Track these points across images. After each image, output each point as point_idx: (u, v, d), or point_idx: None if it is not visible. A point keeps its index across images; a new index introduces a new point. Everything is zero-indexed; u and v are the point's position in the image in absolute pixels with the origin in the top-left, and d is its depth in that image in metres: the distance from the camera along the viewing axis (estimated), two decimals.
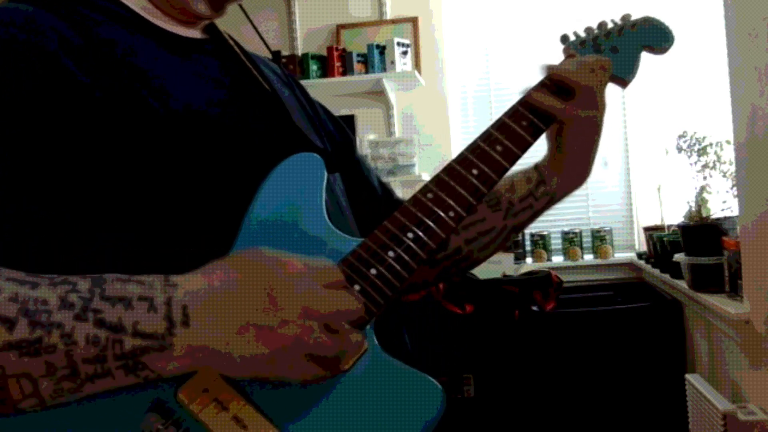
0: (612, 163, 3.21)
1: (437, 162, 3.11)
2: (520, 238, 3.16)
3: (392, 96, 3.26)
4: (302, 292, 0.57)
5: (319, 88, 3.11)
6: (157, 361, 0.55)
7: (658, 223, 2.89)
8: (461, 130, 3.34)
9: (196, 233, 0.65)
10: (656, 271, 2.63)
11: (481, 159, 0.72)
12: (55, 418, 0.56)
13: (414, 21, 3.29)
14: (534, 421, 2.52)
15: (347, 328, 0.58)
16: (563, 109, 0.78)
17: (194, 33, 0.78)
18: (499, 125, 0.75)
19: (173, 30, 0.75)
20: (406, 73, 3.12)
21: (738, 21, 1.77)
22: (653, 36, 0.83)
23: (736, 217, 1.92)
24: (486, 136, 0.74)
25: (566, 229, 3.19)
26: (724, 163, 2.21)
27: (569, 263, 3.14)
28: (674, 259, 2.25)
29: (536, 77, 0.82)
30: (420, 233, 0.66)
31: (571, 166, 0.85)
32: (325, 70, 3.16)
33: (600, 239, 3.13)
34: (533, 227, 3.21)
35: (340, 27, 3.33)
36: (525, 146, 0.75)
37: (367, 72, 3.13)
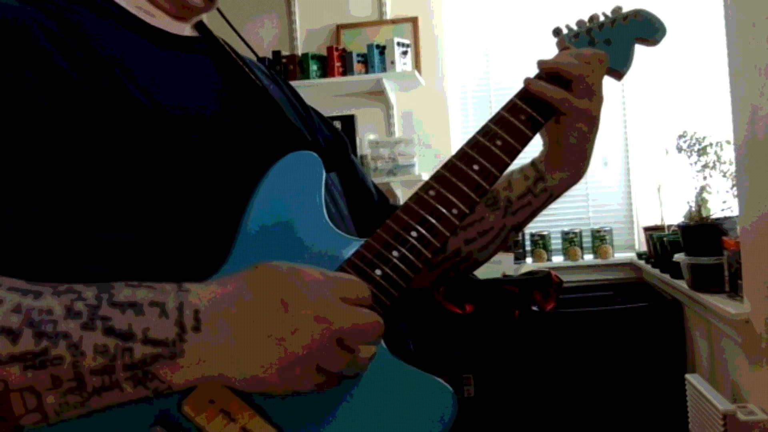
0: (612, 163, 3.20)
1: (437, 162, 3.06)
2: (520, 238, 3.16)
3: (392, 96, 3.26)
4: (317, 302, 0.55)
5: (319, 88, 3.12)
6: (167, 370, 0.53)
7: (658, 223, 2.89)
8: (461, 130, 3.33)
9: (196, 233, 0.64)
10: (656, 271, 2.63)
11: (482, 154, 0.71)
12: None
13: (414, 21, 3.29)
14: (534, 421, 2.52)
15: (359, 344, 0.56)
16: (564, 99, 0.77)
17: (185, 31, 0.77)
18: (498, 119, 0.75)
19: (164, 27, 0.73)
20: (406, 73, 3.11)
21: (738, 21, 1.77)
22: (646, 27, 0.84)
23: (736, 217, 1.92)
24: (485, 131, 0.74)
25: (566, 229, 3.19)
26: (724, 163, 2.21)
27: (569, 263, 3.13)
28: (674, 259, 2.25)
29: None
30: (424, 231, 0.65)
31: (569, 161, 0.84)
32: (325, 70, 3.15)
33: (600, 239, 3.13)
34: (533, 227, 3.21)
35: (340, 27, 3.33)
36: (524, 140, 0.74)
37: (367, 72, 3.13)
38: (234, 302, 0.55)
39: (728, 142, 2.14)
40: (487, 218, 0.87)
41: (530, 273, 2.67)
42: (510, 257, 2.88)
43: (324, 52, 3.18)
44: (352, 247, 0.65)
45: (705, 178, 2.25)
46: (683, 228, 2.18)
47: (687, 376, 2.16)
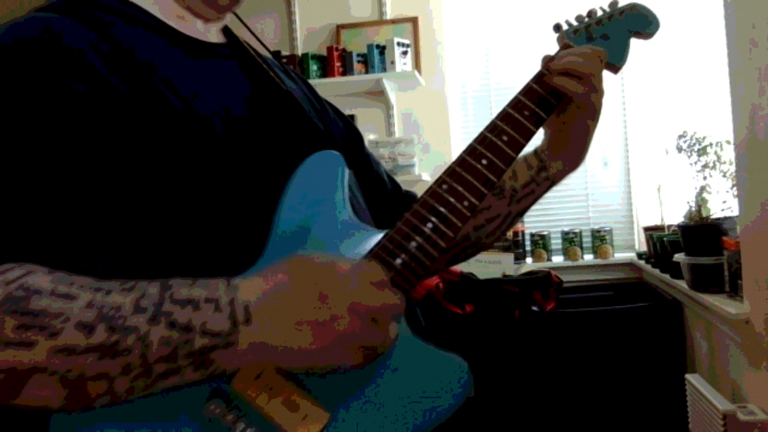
0: (612, 163, 3.19)
1: (437, 162, 3.10)
2: (520, 238, 3.17)
3: (392, 96, 3.26)
4: (350, 289, 0.61)
5: (319, 88, 3.08)
6: (223, 356, 0.59)
7: (658, 223, 2.89)
8: (461, 130, 3.33)
9: (196, 233, 0.65)
10: (656, 271, 2.63)
11: (489, 149, 0.76)
12: (123, 407, 0.59)
13: (414, 21, 3.29)
14: (534, 421, 2.52)
15: (389, 320, 0.63)
16: (584, 93, 0.82)
17: (212, 35, 0.80)
18: (504, 116, 0.79)
19: (194, 33, 0.77)
20: (406, 73, 3.12)
21: (738, 21, 1.77)
22: (640, 21, 0.88)
23: (736, 217, 1.92)
24: (492, 127, 0.78)
25: (566, 229, 3.19)
26: (724, 163, 2.21)
27: (569, 263, 3.14)
28: (674, 259, 2.24)
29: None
30: (439, 223, 0.71)
31: (572, 150, 0.91)
32: (325, 70, 3.16)
33: (600, 239, 3.13)
34: (533, 227, 3.22)
35: (340, 27, 3.33)
36: (529, 135, 0.79)
37: (367, 72, 3.13)
38: (277, 295, 0.61)
39: (728, 142, 2.14)
40: (494, 206, 0.94)
41: (530, 273, 2.67)
42: (510, 257, 2.87)
43: (324, 52, 3.18)
44: (374, 238, 0.71)
45: (705, 178, 2.25)
46: (683, 228, 2.18)
47: (687, 376, 2.16)
